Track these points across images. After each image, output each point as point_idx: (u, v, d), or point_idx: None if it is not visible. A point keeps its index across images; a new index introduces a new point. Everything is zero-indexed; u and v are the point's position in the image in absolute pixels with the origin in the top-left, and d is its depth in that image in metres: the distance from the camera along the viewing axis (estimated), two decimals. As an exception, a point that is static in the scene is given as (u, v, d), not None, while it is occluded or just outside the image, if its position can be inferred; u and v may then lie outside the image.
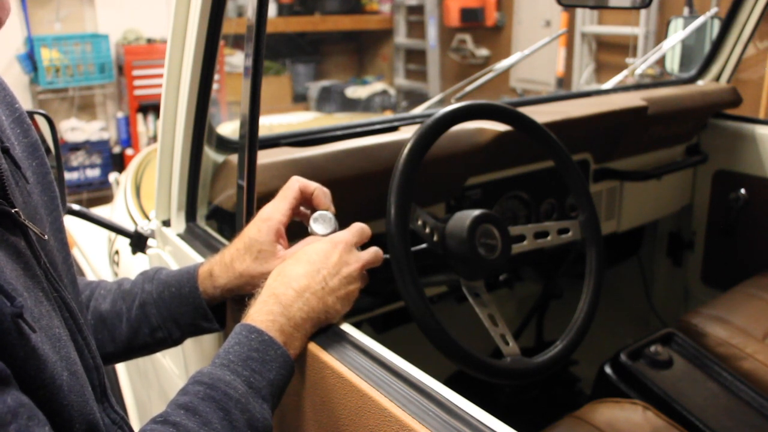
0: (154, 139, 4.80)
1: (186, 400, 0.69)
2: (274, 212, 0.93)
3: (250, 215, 1.02)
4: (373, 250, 0.90)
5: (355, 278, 0.86)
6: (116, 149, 5.01)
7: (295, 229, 0.96)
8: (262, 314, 0.78)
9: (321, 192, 0.95)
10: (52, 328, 0.63)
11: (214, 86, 1.17)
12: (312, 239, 0.92)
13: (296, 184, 0.95)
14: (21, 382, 0.56)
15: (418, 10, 6.27)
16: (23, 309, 0.56)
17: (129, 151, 4.89)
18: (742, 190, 1.98)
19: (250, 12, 0.93)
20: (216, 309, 0.96)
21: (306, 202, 0.96)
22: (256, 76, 0.95)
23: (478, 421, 0.67)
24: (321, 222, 0.93)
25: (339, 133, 1.36)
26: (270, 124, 3.30)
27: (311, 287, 0.82)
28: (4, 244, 0.62)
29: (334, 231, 0.93)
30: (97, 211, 2.00)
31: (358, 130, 1.39)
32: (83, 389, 0.64)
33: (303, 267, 0.83)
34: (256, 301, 0.81)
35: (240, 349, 0.75)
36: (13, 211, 0.64)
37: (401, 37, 6.53)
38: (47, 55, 4.51)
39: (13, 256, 0.62)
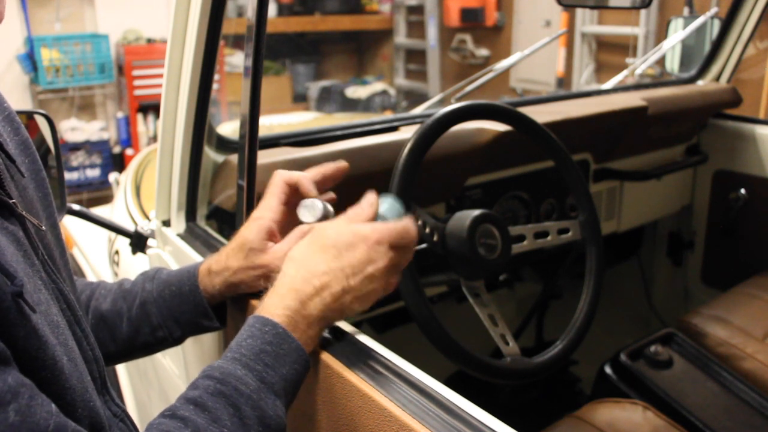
0: (154, 139, 4.80)
1: (195, 394, 0.67)
2: (263, 210, 0.92)
3: (250, 215, 1.02)
4: (408, 250, 0.84)
5: (378, 278, 0.80)
6: (116, 149, 5.01)
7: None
8: (279, 308, 0.76)
9: (305, 180, 0.92)
10: (50, 315, 0.63)
11: (214, 86, 1.17)
12: (302, 229, 0.90)
13: (279, 178, 0.93)
14: (23, 363, 0.55)
15: (418, 10, 6.26)
16: (23, 288, 0.56)
17: (129, 151, 4.88)
18: (742, 190, 1.98)
19: (250, 12, 0.93)
20: (216, 307, 0.96)
21: (296, 193, 0.94)
22: (256, 76, 0.95)
23: (478, 421, 0.67)
24: (305, 209, 0.90)
25: (339, 133, 1.36)
26: (270, 124, 3.30)
27: (331, 286, 0.78)
28: (4, 231, 0.62)
29: (323, 218, 0.89)
30: (97, 211, 2.00)
31: (358, 130, 1.39)
32: (83, 376, 0.64)
33: (327, 263, 0.78)
34: (273, 293, 0.78)
35: (253, 343, 0.72)
36: (10, 201, 0.64)
37: (401, 37, 6.53)
38: (47, 55, 4.51)
39: (13, 242, 0.63)
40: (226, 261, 0.92)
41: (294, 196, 0.93)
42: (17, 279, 0.56)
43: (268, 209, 0.92)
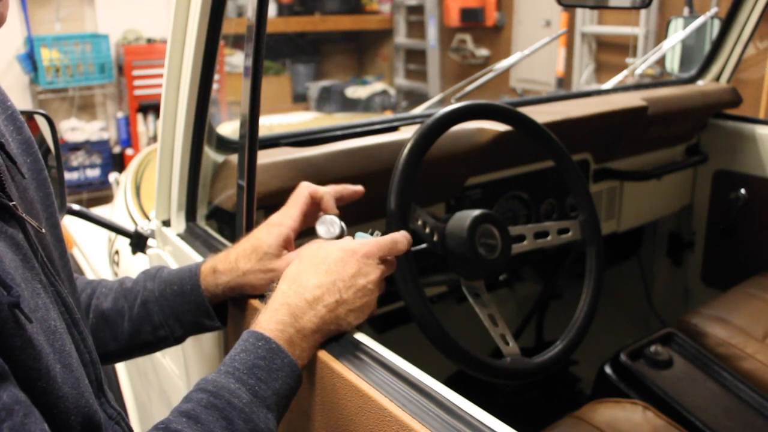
0: (154, 139, 4.80)
1: (189, 407, 0.68)
2: (285, 218, 0.94)
3: (250, 215, 1.02)
4: (392, 261, 0.88)
5: (372, 290, 0.83)
6: (116, 149, 5.01)
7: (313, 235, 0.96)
8: (272, 323, 0.78)
9: (329, 197, 0.96)
10: (48, 321, 0.63)
11: (214, 86, 1.17)
12: (316, 242, 0.92)
13: (306, 190, 0.96)
14: (18, 373, 0.56)
15: (418, 10, 6.26)
16: (20, 299, 0.56)
17: (129, 151, 4.88)
18: (742, 190, 1.98)
19: (250, 12, 0.93)
20: (218, 307, 0.96)
21: (317, 207, 0.97)
22: (256, 76, 0.95)
23: (478, 421, 0.67)
24: (325, 226, 0.93)
25: (339, 133, 1.36)
26: (270, 124, 3.30)
27: (324, 299, 0.80)
28: (3, 235, 0.62)
29: (339, 235, 0.93)
30: (97, 211, 2.00)
31: (358, 130, 1.38)
32: (78, 382, 0.64)
33: (318, 277, 0.81)
34: (267, 308, 0.80)
35: (246, 357, 0.74)
36: (11, 204, 0.64)
37: (401, 37, 6.53)
38: (47, 55, 4.51)
39: (12, 247, 0.62)
40: (236, 262, 0.93)
41: (313, 208, 0.96)
42: (14, 289, 0.56)
43: (289, 217, 0.94)
